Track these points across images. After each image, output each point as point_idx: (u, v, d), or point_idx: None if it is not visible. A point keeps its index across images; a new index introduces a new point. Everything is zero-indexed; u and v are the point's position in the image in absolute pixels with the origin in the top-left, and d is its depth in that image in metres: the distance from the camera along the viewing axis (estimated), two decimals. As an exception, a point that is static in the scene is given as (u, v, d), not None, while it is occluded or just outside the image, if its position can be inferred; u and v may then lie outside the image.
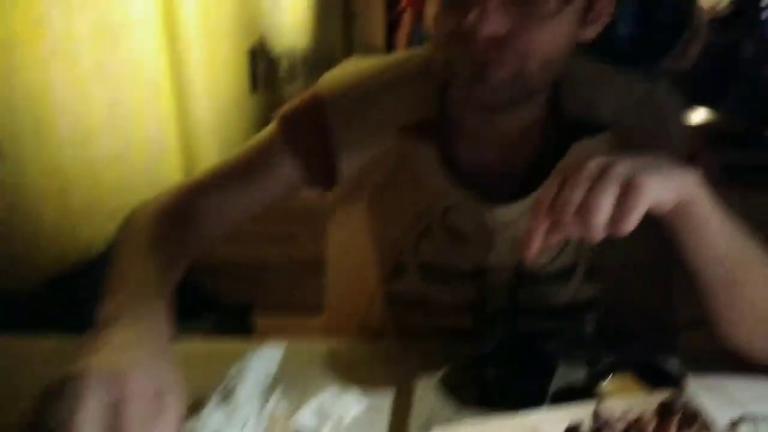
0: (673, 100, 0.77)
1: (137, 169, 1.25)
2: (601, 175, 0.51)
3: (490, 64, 0.62)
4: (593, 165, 0.52)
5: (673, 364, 0.62)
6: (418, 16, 3.90)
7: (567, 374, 0.62)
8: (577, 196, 0.51)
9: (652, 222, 0.56)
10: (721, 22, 5.16)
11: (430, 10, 0.65)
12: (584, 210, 0.50)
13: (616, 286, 0.74)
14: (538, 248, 0.54)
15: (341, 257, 0.83)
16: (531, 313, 0.75)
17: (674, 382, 0.58)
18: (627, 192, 0.50)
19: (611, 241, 0.52)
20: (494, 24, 0.59)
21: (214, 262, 1.23)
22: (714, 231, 0.57)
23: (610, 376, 0.59)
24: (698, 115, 3.15)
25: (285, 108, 0.80)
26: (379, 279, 0.79)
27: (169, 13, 1.37)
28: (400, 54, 0.86)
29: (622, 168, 0.51)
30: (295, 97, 0.82)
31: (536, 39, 0.61)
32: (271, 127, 0.80)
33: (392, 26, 4.42)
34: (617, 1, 0.69)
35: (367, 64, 0.80)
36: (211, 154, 1.35)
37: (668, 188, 0.53)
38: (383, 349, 0.76)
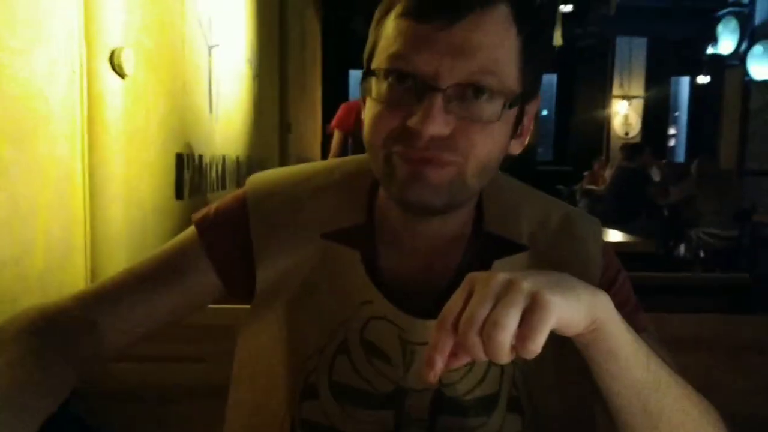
0: (589, 224, 0.78)
1: (36, 275, 1.16)
2: (507, 291, 0.49)
3: (431, 164, 0.62)
4: (499, 280, 0.49)
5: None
6: (347, 137, 4.09)
7: None
8: (481, 312, 0.48)
9: (574, 348, 0.54)
10: (632, 148, 5.64)
11: (370, 112, 0.65)
12: (488, 327, 0.47)
13: (541, 420, 0.71)
14: (442, 370, 0.50)
15: (247, 376, 0.76)
16: None
17: None
18: (532, 309, 0.48)
19: (535, 369, 0.48)
20: (438, 125, 0.60)
21: (100, 389, 1.11)
22: (627, 356, 0.55)
23: None
24: (611, 236, 3.32)
25: (205, 210, 0.78)
26: (288, 403, 0.72)
27: (93, 116, 1.34)
28: (333, 159, 0.86)
29: (527, 284, 0.49)
30: (218, 199, 0.80)
31: (478, 141, 0.62)
32: (189, 231, 0.77)
33: (328, 140, 4.56)
34: (537, 130, 0.73)
35: (297, 168, 0.79)
36: (121, 262, 1.27)
37: (577, 308, 0.50)
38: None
